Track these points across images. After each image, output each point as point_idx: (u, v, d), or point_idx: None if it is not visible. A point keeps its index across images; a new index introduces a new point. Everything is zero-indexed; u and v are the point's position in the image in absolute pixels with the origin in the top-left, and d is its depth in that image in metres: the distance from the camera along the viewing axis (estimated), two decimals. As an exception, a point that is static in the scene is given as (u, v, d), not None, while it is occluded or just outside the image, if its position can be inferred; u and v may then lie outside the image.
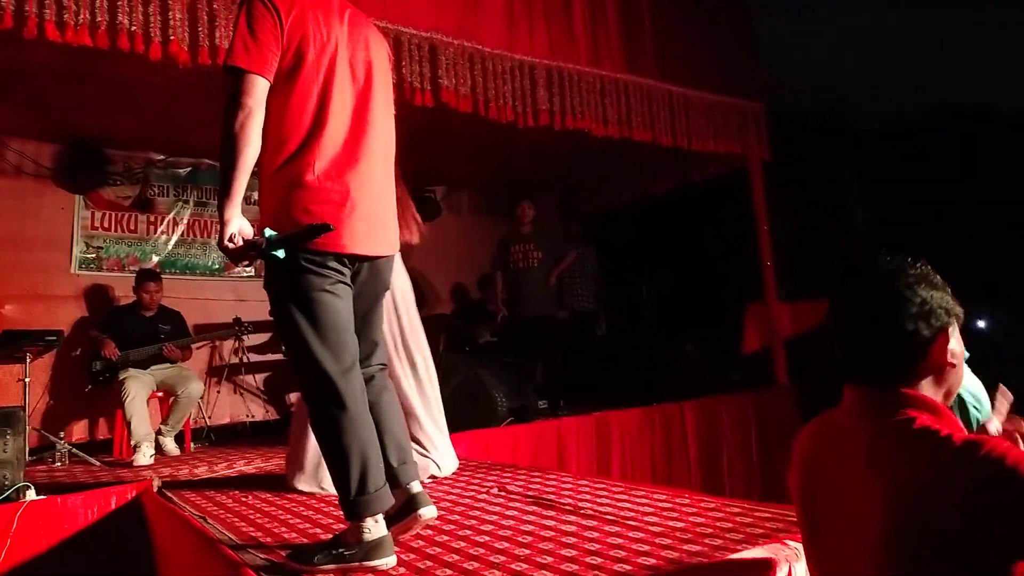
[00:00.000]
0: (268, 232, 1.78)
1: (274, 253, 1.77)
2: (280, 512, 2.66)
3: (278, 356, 5.94)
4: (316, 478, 2.98)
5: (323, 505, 2.72)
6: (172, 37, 3.05)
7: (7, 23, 2.90)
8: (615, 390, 5.86)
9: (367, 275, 1.99)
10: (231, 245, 1.77)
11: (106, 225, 5.64)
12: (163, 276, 5.24)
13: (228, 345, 5.89)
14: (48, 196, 5.40)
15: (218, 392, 5.79)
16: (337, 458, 1.83)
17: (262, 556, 2.04)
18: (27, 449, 3.53)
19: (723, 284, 6.77)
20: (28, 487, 3.19)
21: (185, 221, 6.00)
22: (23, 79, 4.29)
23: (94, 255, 5.58)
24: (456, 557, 1.95)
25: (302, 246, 1.79)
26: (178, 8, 3.09)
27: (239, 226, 1.77)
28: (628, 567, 1.74)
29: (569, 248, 6.29)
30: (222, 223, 1.75)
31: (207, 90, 4.27)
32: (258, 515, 2.63)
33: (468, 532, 2.20)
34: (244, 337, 5.67)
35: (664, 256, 7.37)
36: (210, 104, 4.36)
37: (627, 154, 5.78)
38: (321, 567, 1.82)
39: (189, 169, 6.01)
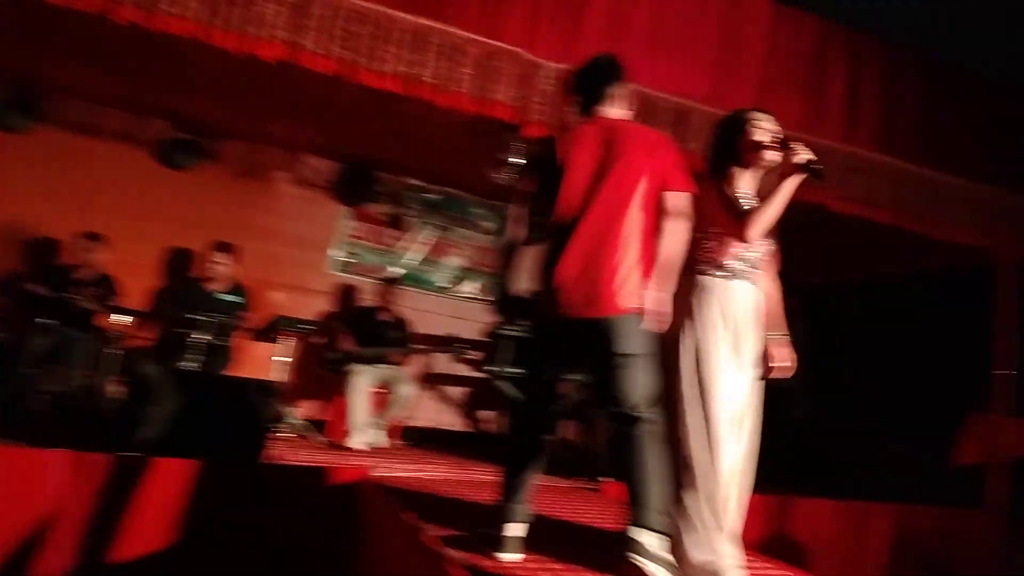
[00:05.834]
0: None
1: None
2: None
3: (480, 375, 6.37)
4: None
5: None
6: (462, 90, 3.52)
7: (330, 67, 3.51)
8: (799, 473, 5.45)
9: None
10: None
11: (364, 235, 6.51)
12: (402, 287, 5.89)
13: (442, 356, 6.43)
14: (325, 205, 6.37)
15: (427, 398, 6.35)
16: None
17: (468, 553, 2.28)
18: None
19: (942, 386, 6.15)
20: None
21: (430, 241, 6.73)
22: (328, 110, 5.12)
23: (350, 260, 6.46)
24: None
25: None
26: (468, 65, 3.57)
27: None
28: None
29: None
30: None
31: (472, 132, 4.82)
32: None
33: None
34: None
35: (881, 343, 6.82)
36: (472, 142, 4.94)
37: (855, 231, 5.52)
38: None
39: (441, 197, 6.75)
